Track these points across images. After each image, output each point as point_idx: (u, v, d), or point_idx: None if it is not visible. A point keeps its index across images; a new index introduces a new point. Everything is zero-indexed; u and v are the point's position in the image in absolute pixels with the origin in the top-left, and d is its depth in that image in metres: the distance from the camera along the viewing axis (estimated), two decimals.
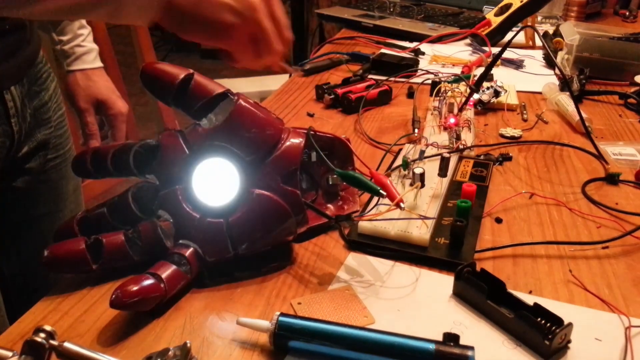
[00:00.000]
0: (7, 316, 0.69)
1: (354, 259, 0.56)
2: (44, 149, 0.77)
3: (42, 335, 0.31)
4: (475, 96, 0.91)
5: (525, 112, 0.93)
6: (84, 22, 0.89)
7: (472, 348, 0.41)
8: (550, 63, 1.19)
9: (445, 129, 0.80)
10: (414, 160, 0.68)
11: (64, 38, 0.87)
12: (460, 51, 1.25)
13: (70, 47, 0.88)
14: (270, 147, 0.52)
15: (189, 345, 0.37)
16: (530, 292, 0.51)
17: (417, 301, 0.50)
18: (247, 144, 0.52)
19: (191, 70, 0.52)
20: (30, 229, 0.80)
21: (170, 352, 0.36)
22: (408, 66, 1.08)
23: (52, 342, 0.31)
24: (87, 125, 0.90)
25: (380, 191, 0.52)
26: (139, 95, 2.61)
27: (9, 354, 0.31)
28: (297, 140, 0.54)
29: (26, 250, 0.80)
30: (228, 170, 0.52)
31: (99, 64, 0.92)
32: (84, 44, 0.89)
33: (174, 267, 0.49)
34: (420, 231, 0.56)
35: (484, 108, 0.94)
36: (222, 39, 0.52)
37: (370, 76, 1.05)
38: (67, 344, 0.32)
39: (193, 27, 0.50)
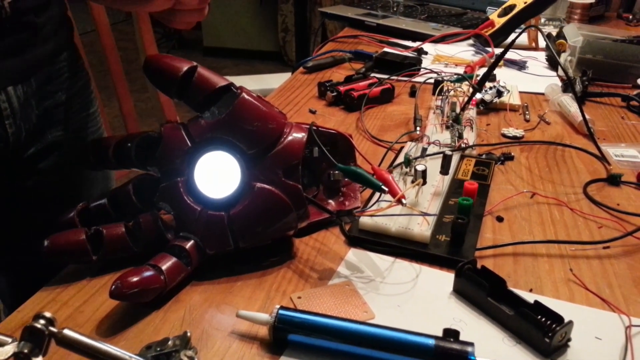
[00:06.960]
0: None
1: (355, 255, 0.56)
2: (57, 150, 0.73)
3: (42, 321, 0.31)
4: (478, 95, 0.91)
5: (527, 112, 0.93)
6: None
7: (472, 344, 0.41)
8: (553, 64, 1.18)
9: (447, 127, 0.80)
10: (416, 158, 0.68)
11: None
12: (463, 51, 1.25)
13: None
14: (272, 140, 0.52)
15: (189, 334, 0.36)
16: (530, 291, 0.51)
17: (417, 297, 0.50)
18: (249, 137, 0.52)
19: (194, 63, 0.52)
20: (44, 231, 0.77)
21: (169, 342, 0.36)
22: (411, 65, 1.08)
23: (51, 328, 0.31)
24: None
25: (382, 187, 0.52)
26: (140, 92, 2.61)
27: (9, 340, 0.31)
28: (299, 135, 0.54)
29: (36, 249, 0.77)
30: (230, 163, 0.52)
31: None
32: None
33: (174, 259, 0.49)
34: (421, 228, 0.56)
35: (486, 108, 0.94)
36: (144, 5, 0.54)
37: (372, 74, 1.05)
38: (66, 331, 0.32)
39: None
